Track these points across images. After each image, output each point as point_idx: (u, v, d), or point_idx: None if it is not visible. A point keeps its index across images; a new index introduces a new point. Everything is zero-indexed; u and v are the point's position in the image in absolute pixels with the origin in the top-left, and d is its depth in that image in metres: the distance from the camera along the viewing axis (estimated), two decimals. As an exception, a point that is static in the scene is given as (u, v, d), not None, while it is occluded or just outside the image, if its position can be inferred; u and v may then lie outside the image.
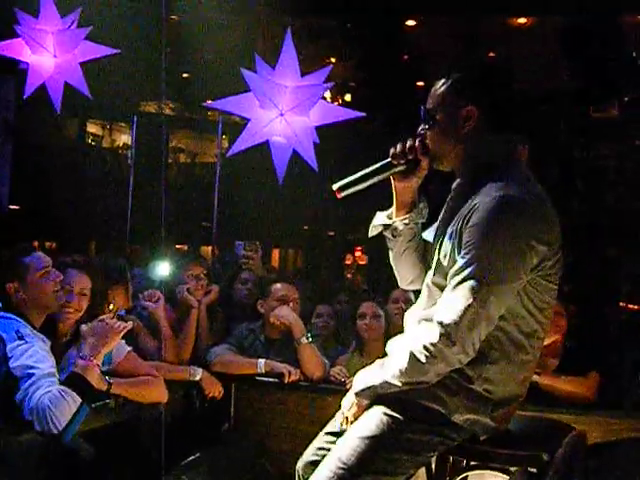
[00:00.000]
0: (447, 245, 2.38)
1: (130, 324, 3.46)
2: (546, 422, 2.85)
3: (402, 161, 2.46)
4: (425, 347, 2.26)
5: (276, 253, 14.84)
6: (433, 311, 2.34)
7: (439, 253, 2.43)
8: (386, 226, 2.61)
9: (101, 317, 3.38)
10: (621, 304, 8.99)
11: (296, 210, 11.89)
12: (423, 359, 2.26)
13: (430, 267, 2.50)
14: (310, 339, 4.25)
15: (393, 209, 2.61)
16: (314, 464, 2.49)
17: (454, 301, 2.25)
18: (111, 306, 3.56)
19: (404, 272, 2.70)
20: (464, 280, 2.24)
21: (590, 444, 3.17)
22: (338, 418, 2.56)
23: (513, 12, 11.87)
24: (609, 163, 11.85)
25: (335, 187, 2.48)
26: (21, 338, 3.14)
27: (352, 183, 2.48)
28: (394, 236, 2.61)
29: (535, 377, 3.80)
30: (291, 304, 4.39)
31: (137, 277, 5.29)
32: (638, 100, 11.40)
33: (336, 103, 11.94)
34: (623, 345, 5.38)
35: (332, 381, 4.25)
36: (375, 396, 2.43)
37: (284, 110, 6.02)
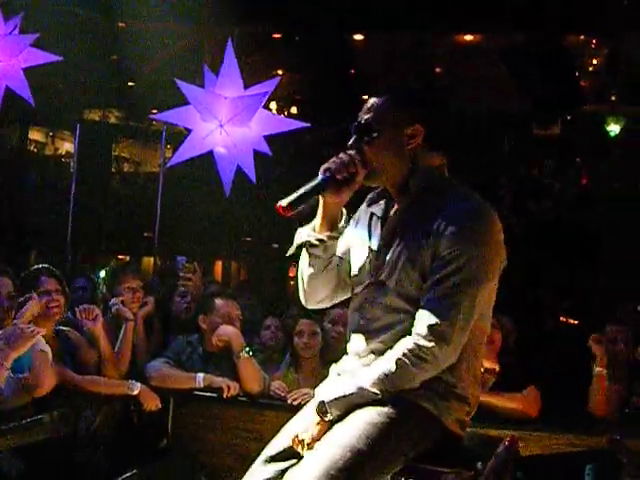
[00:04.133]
0: (409, 259, 2.34)
1: (44, 330, 3.40)
2: (480, 437, 2.87)
3: (345, 175, 2.36)
4: (416, 353, 2.24)
5: (219, 265, 14.70)
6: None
7: (396, 269, 2.37)
8: (313, 244, 2.51)
9: (15, 322, 3.36)
10: (562, 319, 9.11)
11: (239, 221, 11.84)
12: (413, 364, 2.25)
13: (376, 284, 2.43)
14: (250, 353, 4.20)
15: (317, 224, 2.52)
16: None
17: (445, 304, 2.27)
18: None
19: (319, 290, 2.60)
20: (455, 284, 2.27)
21: (522, 456, 3.21)
22: (283, 443, 2.41)
23: (460, 29, 12.00)
24: (551, 178, 12.08)
25: (283, 204, 2.32)
26: None
27: (296, 201, 2.35)
28: (323, 253, 2.53)
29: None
30: (233, 320, 4.34)
31: (77, 289, 5.21)
32: (579, 118, 11.69)
33: (282, 115, 11.95)
34: (563, 360, 5.42)
35: (272, 396, 4.21)
36: (348, 406, 2.32)
37: (223, 121, 5.97)
